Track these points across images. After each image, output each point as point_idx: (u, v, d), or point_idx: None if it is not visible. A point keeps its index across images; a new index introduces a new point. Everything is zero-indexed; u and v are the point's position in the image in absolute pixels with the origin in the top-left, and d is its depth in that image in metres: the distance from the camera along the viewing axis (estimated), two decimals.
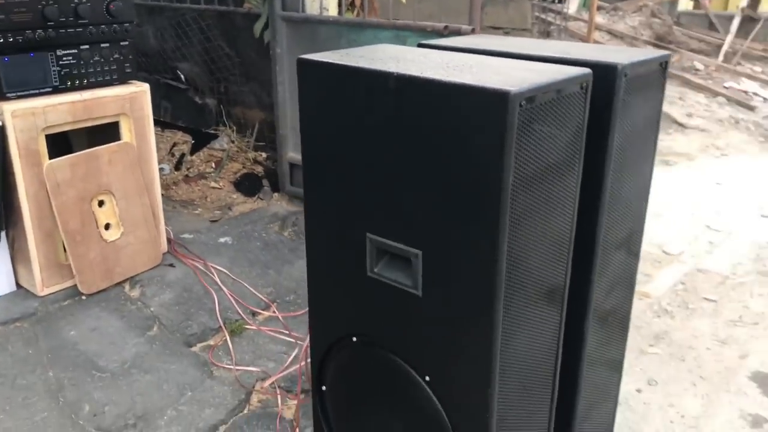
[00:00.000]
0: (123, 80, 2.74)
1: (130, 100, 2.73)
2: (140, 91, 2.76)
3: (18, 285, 2.69)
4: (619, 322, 2.01)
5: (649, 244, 3.93)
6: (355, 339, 1.74)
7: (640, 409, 2.56)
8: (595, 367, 1.92)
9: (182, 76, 4.27)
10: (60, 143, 2.84)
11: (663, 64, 1.69)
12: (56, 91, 2.55)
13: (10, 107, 2.39)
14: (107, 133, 2.77)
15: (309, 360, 2.35)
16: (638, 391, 2.67)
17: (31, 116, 2.45)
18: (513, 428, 1.60)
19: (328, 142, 1.61)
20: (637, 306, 3.27)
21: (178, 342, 2.63)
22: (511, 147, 1.27)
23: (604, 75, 1.51)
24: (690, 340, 3.02)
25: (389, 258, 1.58)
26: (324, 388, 1.90)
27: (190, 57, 4.18)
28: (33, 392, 2.29)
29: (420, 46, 1.84)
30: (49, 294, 2.66)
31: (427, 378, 1.59)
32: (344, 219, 1.63)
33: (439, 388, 1.58)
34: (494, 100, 1.25)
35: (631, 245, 1.92)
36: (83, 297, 2.70)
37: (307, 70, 1.59)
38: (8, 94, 2.43)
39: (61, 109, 2.53)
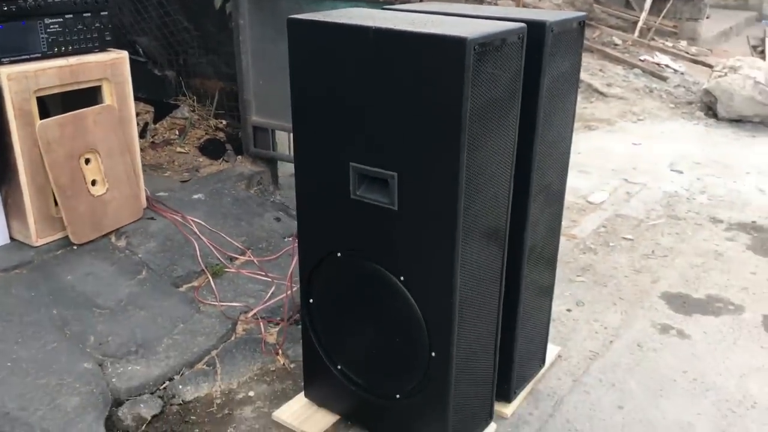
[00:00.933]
0: (103, 47, 2.98)
1: (111, 66, 2.97)
2: (120, 57, 3.01)
3: (11, 238, 2.91)
4: (551, 237, 2.43)
5: (575, 196, 4.43)
6: (339, 254, 2.10)
7: (570, 324, 3.02)
8: (533, 274, 2.34)
9: (141, 50, 4.47)
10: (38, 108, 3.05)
11: (581, 23, 2.11)
12: (45, 56, 2.77)
13: (5, 71, 2.61)
14: (81, 99, 2.99)
15: (294, 289, 2.70)
16: (568, 310, 3.13)
17: (24, 79, 2.67)
18: (470, 318, 2.00)
19: (315, 87, 1.95)
20: (566, 246, 3.75)
21: (166, 283, 2.92)
22: (468, 82, 1.65)
23: (536, 30, 1.90)
24: (611, 271, 3.51)
25: (369, 182, 1.94)
26: (311, 300, 2.25)
27: (149, 31, 4.38)
28: (41, 327, 2.55)
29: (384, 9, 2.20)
30: (43, 244, 2.89)
31: (402, 278, 1.97)
32: (329, 152, 1.98)
33: (412, 285, 1.96)
34: (455, 44, 1.62)
35: (560, 180, 2.34)
36: (74, 247, 2.94)
37: (296, 27, 1.92)
38: (2, 59, 2.64)
39: (51, 73, 2.76)
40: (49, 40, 2.77)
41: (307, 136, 2.04)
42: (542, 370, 2.63)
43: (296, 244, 2.26)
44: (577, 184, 4.64)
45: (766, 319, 3.08)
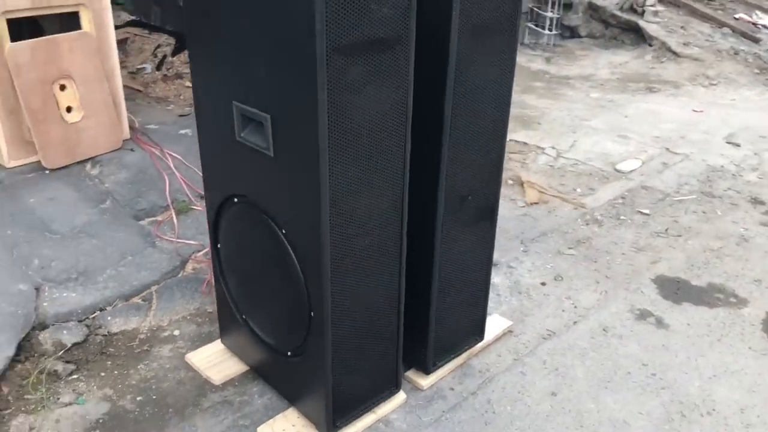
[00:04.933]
0: None
1: None
2: None
3: None
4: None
5: (603, 163, 4.08)
6: (236, 199, 2.00)
7: (538, 299, 2.78)
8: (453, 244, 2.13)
9: None
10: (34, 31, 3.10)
11: None
12: None
13: None
14: (65, 26, 2.99)
15: None
16: (542, 284, 2.89)
17: None
18: (353, 277, 1.83)
19: (201, 21, 1.82)
20: (570, 215, 3.47)
21: (128, 215, 2.93)
22: (322, 14, 1.46)
23: None
24: (608, 246, 3.20)
25: (252, 124, 1.80)
26: (219, 245, 2.17)
27: None
28: None
29: None
30: (16, 167, 2.97)
31: (284, 231, 1.84)
32: (217, 91, 1.86)
33: (293, 239, 1.82)
34: None
35: (496, 124, 2.07)
36: (47, 171, 3.00)
37: None
38: None
39: None
40: None
41: (200, 75, 1.92)
42: (481, 344, 2.44)
43: None
44: (609, 149, 4.26)
45: None
